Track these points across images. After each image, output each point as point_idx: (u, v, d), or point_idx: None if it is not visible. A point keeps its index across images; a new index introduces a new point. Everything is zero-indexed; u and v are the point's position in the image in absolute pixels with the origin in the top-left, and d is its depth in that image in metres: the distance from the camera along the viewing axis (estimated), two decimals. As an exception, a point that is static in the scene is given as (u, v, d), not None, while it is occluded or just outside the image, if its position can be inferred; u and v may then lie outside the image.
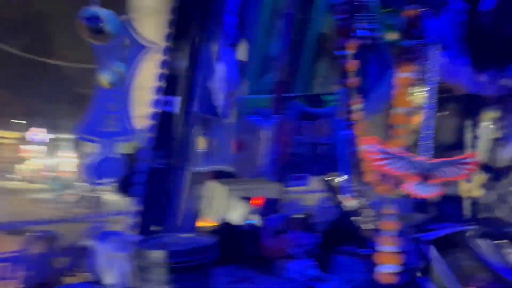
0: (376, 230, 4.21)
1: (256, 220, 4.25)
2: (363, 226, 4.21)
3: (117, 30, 3.57)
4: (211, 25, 4.26)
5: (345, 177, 4.25)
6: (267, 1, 4.40)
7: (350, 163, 4.36)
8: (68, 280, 3.80)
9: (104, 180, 4.17)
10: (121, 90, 4.12)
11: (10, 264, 3.54)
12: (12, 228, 4.22)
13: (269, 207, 4.46)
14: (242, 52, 4.20)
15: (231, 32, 4.18)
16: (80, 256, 3.78)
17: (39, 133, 29.63)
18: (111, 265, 3.46)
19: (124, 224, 4.28)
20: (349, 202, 4.23)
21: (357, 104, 3.68)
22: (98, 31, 3.43)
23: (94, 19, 3.39)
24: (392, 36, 4.00)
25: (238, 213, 4.35)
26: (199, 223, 4.45)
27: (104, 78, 3.95)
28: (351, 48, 3.71)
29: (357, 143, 3.67)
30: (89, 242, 3.78)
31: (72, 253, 3.79)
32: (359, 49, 3.72)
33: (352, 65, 3.71)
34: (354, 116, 3.66)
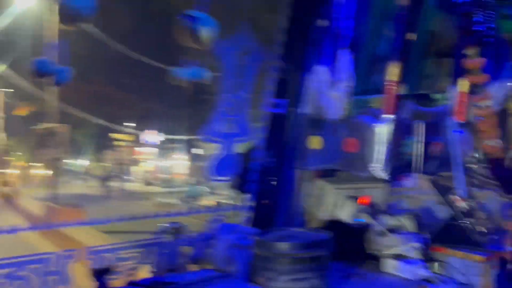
0: (487, 233, 4.09)
1: (365, 218, 4.34)
2: (475, 228, 4.10)
3: (213, 35, 3.81)
4: (323, 29, 4.44)
5: (457, 177, 4.17)
6: (377, 3, 4.46)
7: (462, 162, 4.26)
8: (193, 267, 4.20)
9: (223, 178, 4.54)
10: (240, 95, 4.46)
11: (144, 251, 4.00)
12: (143, 219, 4.74)
13: (378, 206, 4.50)
14: (353, 53, 4.31)
15: (344, 35, 4.32)
16: (204, 245, 4.16)
17: (153, 135, 30.88)
18: (233, 255, 3.79)
19: (240, 218, 4.62)
20: (461, 203, 4.14)
21: (484, 101, 3.63)
22: (193, 33, 3.66)
23: (192, 20, 3.63)
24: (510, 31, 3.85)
25: (346, 211, 4.47)
26: (308, 219, 4.64)
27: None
28: (473, 46, 3.66)
29: (483, 139, 3.61)
30: (211, 233, 4.16)
31: (197, 243, 4.19)
32: (480, 46, 3.65)
33: (476, 62, 3.66)
34: (481, 112, 3.61)
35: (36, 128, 16.82)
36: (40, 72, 4.02)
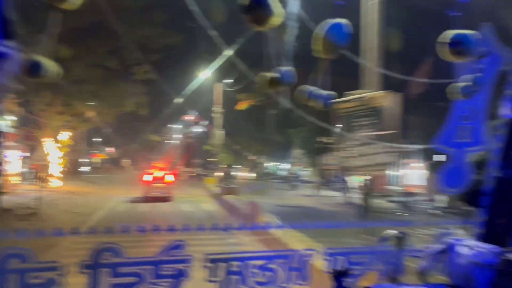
0: None
1: None
2: None
3: (480, 49, 3.64)
4: None
5: None
6: None
7: None
8: (420, 279, 4.07)
9: (454, 189, 4.29)
10: (476, 102, 4.17)
11: (371, 257, 4.04)
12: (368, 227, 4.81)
13: None
14: None
15: None
16: (433, 259, 4.00)
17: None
18: (472, 272, 3.54)
19: (471, 233, 4.29)
20: None
21: None
22: (460, 53, 3.58)
23: (457, 43, 3.55)
24: None
25: None
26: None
27: (461, 91, 4.08)
28: None
29: None
30: (441, 246, 3.97)
31: (425, 255, 4.05)
32: None
33: None
34: None
35: None
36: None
